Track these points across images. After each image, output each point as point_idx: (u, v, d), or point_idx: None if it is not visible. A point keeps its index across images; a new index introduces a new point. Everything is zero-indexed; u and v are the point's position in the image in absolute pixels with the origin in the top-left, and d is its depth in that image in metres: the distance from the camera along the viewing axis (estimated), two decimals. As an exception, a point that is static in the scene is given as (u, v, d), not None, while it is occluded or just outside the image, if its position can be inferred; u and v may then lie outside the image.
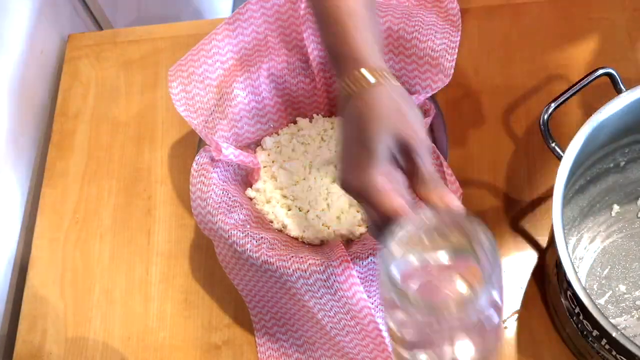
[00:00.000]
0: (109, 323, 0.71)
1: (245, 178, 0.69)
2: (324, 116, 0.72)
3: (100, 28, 0.98)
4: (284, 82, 0.69)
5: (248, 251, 0.59)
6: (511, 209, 0.72)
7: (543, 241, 0.70)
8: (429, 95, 0.64)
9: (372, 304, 0.62)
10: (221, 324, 0.69)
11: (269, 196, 0.68)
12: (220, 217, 0.61)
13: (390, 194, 0.44)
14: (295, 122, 0.72)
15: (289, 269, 0.58)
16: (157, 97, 0.82)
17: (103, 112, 0.82)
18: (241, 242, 0.60)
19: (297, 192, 0.67)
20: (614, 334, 0.52)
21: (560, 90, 0.63)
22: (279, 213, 0.67)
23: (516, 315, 0.67)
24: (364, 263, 0.58)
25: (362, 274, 0.59)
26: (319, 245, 0.66)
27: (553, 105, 0.62)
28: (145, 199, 0.76)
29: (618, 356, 0.54)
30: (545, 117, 0.61)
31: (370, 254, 0.58)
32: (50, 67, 0.86)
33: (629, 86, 0.61)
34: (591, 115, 0.59)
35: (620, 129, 0.63)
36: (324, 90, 0.70)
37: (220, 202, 0.62)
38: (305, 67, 0.69)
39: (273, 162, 0.70)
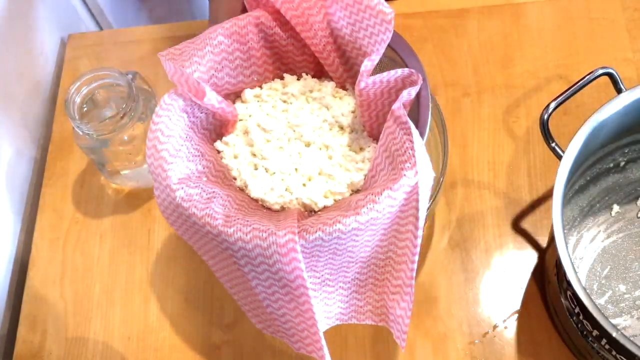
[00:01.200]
0: (109, 323, 0.71)
1: (219, 129, 0.65)
2: (313, 76, 0.67)
3: (100, 28, 0.98)
4: (273, 33, 0.64)
5: (192, 201, 0.56)
6: (511, 209, 0.72)
7: (543, 241, 0.70)
8: (381, 51, 0.59)
9: (313, 282, 0.59)
10: (221, 324, 0.69)
11: (237, 151, 0.64)
12: (176, 161, 0.58)
13: None
14: (282, 78, 0.67)
15: (230, 228, 0.54)
16: (157, 97, 0.82)
17: (103, 112, 0.82)
18: (190, 192, 0.56)
19: (267, 152, 0.63)
20: (614, 334, 0.52)
21: (560, 90, 0.63)
22: (243, 170, 0.63)
23: (516, 315, 0.67)
24: (311, 238, 0.54)
25: (307, 249, 0.55)
26: (277, 212, 0.62)
27: (553, 105, 0.62)
28: (145, 198, 0.76)
29: (618, 356, 0.54)
30: (545, 117, 0.61)
31: (319, 228, 0.54)
32: (50, 67, 0.86)
33: (629, 86, 0.61)
34: (591, 115, 0.59)
35: (620, 129, 0.63)
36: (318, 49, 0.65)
37: (181, 146, 0.59)
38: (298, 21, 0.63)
39: (250, 116, 0.65)
